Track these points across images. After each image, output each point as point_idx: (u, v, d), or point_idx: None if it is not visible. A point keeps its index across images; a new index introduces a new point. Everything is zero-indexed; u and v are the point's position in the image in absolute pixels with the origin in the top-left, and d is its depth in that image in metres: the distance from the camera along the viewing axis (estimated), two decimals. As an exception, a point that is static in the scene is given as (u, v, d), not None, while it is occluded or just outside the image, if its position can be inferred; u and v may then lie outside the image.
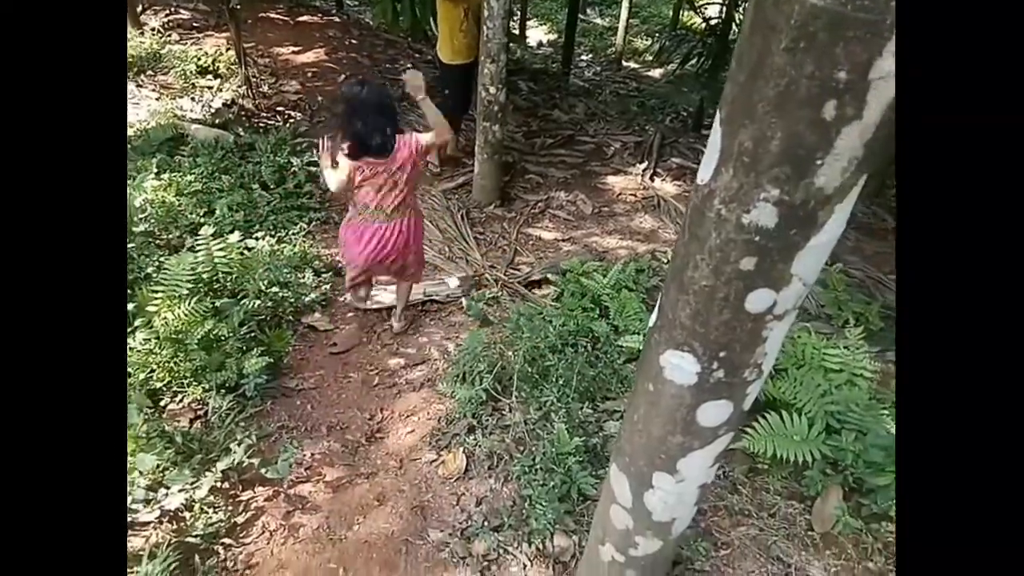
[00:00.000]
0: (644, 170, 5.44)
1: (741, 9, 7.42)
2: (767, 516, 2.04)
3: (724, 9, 7.09)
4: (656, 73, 9.05)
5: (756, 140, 0.79)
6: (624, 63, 9.47)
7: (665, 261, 4.13)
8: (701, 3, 7.97)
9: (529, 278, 3.92)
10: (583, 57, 10.00)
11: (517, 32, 9.50)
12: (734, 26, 6.89)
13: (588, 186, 5.19)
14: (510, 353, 2.85)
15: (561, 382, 2.52)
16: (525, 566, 1.87)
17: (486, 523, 2.00)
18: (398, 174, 2.62)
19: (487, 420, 2.50)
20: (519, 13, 10.16)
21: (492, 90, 4.17)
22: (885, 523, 1.96)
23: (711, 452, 1.17)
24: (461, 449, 2.33)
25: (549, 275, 3.87)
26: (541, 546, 1.91)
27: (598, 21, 12.36)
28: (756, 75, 0.76)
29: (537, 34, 11.27)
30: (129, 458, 1.90)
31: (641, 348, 2.82)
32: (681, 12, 10.15)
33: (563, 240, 4.50)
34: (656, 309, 1.11)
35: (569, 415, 2.37)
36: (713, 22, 6.97)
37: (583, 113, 6.63)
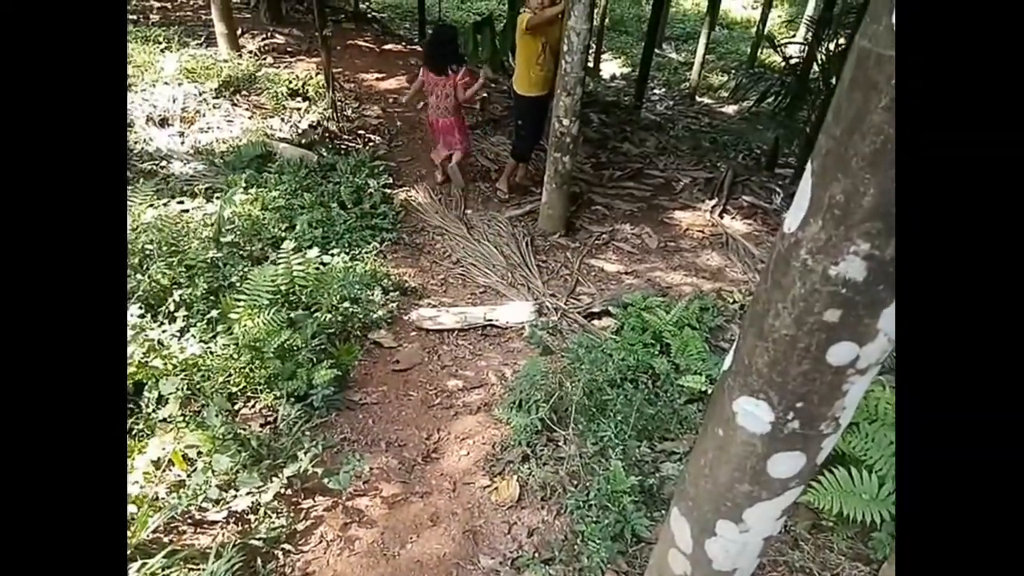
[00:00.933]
0: (714, 207, 5.37)
1: (823, 49, 7.29)
2: (831, 577, 1.95)
3: (805, 48, 6.98)
4: (730, 110, 8.96)
5: (848, 194, 0.79)
6: (698, 98, 9.42)
7: (731, 301, 4.04)
8: (781, 42, 7.88)
9: (590, 309, 3.92)
10: (656, 91, 10.01)
11: (592, 65, 9.63)
12: (815, 65, 6.77)
13: (655, 220, 5.16)
14: (568, 384, 2.85)
15: (619, 418, 2.50)
16: (575, 602, 1.85)
17: (537, 555, 1.99)
18: (447, 90, 4.48)
19: (541, 450, 2.50)
20: (594, 47, 10.31)
21: (566, 122, 4.24)
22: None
23: (779, 504, 1.14)
24: (515, 477, 2.34)
25: (610, 307, 3.85)
26: (591, 584, 1.89)
27: (673, 56, 12.37)
28: (853, 130, 0.76)
29: (611, 67, 11.38)
30: (205, 458, 2.01)
31: (703, 389, 2.79)
32: (759, 50, 10.06)
33: (626, 273, 4.47)
34: (731, 353, 1.10)
35: (626, 453, 2.34)
36: (793, 61, 6.86)
37: (654, 147, 6.62)
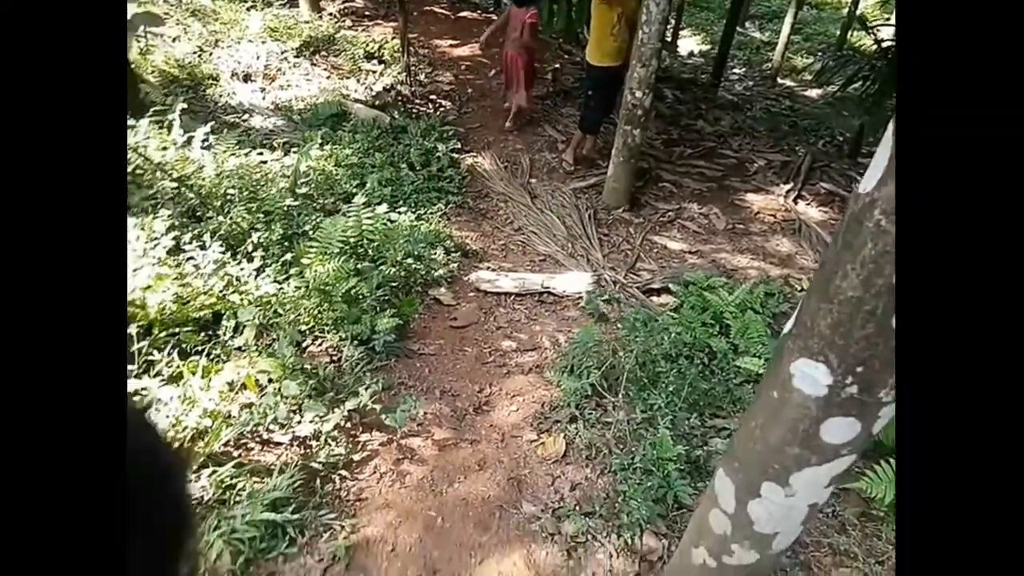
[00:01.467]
0: (788, 191, 5.19)
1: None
2: (874, 563, 1.91)
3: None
4: (814, 93, 8.54)
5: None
6: (780, 80, 9.03)
7: (799, 288, 3.92)
8: (874, 24, 7.41)
9: (649, 285, 3.89)
10: (736, 70, 9.64)
11: (669, 40, 9.35)
12: None
13: (724, 201, 5.03)
14: (621, 353, 2.86)
15: (671, 389, 2.50)
16: (611, 555, 1.90)
17: (578, 507, 2.05)
18: (521, 25, 4.93)
19: (590, 414, 2.53)
20: (673, 21, 9.99)
21: (639, 94, 4.17)
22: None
23: (829, 471, 1.14)
24: (562, 435, 2.39)
25: (671, 284, 3.82)
26: (629, 541, 1.93)
27: (756, 35, 11.85)
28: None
29: (689, 44, 11.02)
30: (274, 384, 2.15)
31: (761, 371, 2.74)
32: (850, 32, 9.50)
33: (690, 252, 4.41)
34: (793, 316, 1.10)
35: (674, 423, 2.35)
36: (885, 44, 6.46)
37: (728, 126, 6.42)
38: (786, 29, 8.65)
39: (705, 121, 6.46)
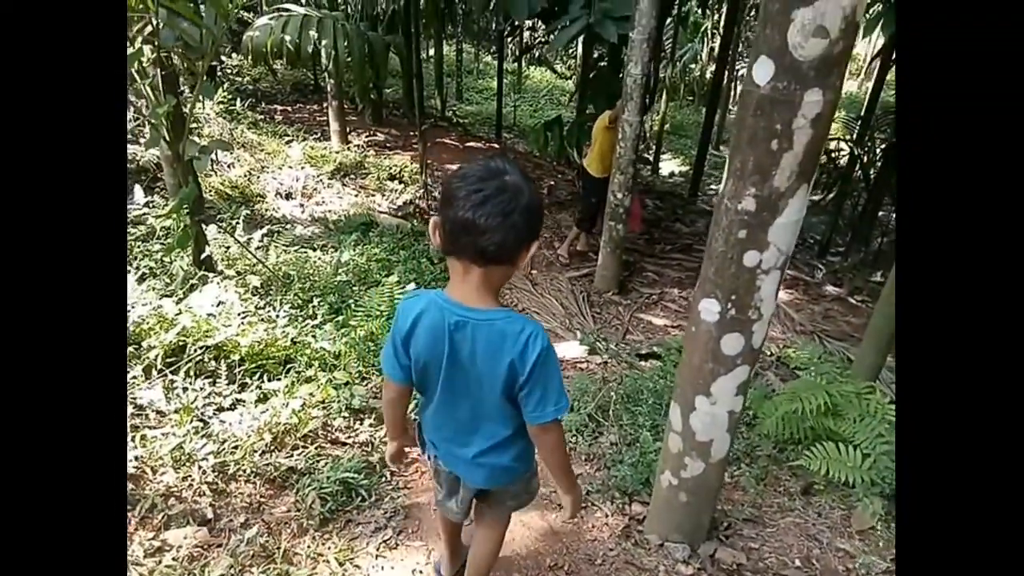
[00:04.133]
0: (755, 277, 5.95)
1: (865, 149, 8.00)
2: (814, 514, 2.42)
3: (858, 148, 7.73)
4: (780, 202, 9.59)
5: (742, 162, 1.51)
6: (749, 192, 10.14)
7: (768, 353, 4.55)
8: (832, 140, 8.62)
9: (638, 351, 4.53)
10: (712, 187, 10.86)
11: (651, 162, 10.66)
12: (870, 161, 7.47)
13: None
14: (613, 394, 3.46)
15: (652, 402, 3.09)
16: (607, 515, 2.40)
17: (580, 484, 2.57)
18: None
19: (588, 436, 3.09)
20: (655, 146, 11.39)
21: (619, 195, 5.08)
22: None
23: (734, 379, 1.76)
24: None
25: (656, 348, 4.46)
26: (621, 506, 2.44)
27: (729, 157, 13.29)
28: (741, 129, 1.50)
29: (670, 166, 12.40)
30: (344, 391, 2.77)
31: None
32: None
33: (672, 326, 5.08)
34: (698, 282, 1.78)
35: (655, 429, 2.91)
36: (842, 161, 7.61)
37: (704, 227, 7.35)
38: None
39: (683, 223, 7.42)
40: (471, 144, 9.38)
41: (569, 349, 4.38)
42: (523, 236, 1.19)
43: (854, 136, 8.21)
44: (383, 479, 2.51)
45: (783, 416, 2.85)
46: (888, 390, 3.59)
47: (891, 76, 7.99)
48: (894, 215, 9.67)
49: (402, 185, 7.30)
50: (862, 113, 8.44)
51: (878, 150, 8.08)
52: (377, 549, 2.13)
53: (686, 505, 2.09)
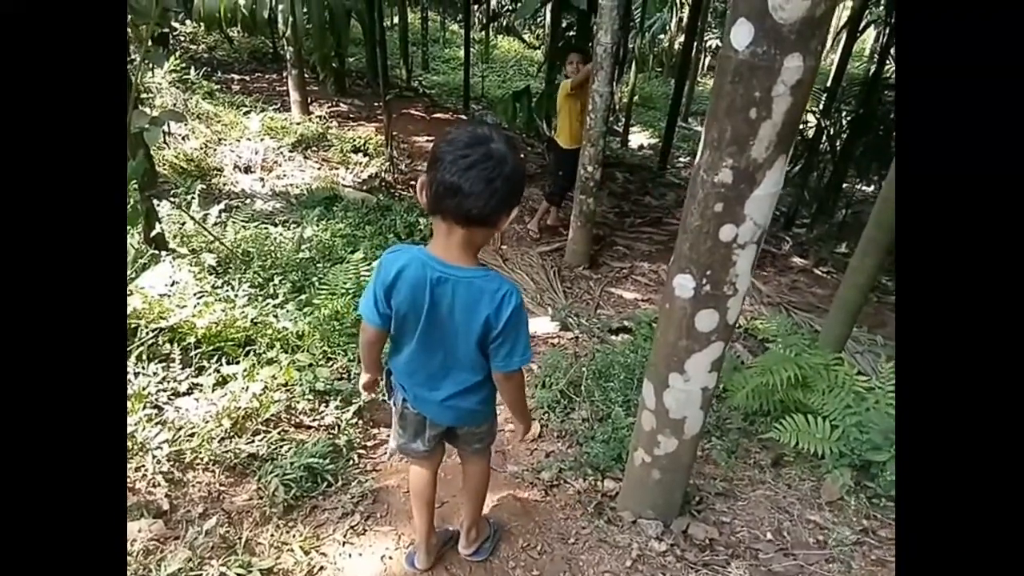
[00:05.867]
0: (724, 249, 5.98)
1: (831, 121, 8.06)
2: (784, 487, 2.44)
3: (825, 120, 7.77)
4: (748, 174, 9.66)
5: (719, 132, 1.44)
6: (718, 165, 10.17)
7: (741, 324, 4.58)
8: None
9: (610, 325, 4.51)
10: (681, 160, 10.87)
11: (620, 134, 10.58)
12: (836, 132, 7.50)
13: (670, 259, 5.77)
14: (585, 369, 3.43)
15: (623, 377, 3.07)
16: (579, 492, 2.37)
17: (552, 465, 2.54)
18: None
19: (560, 413, 3.05)
20: (623, 119, 11.31)
21: (590, 168, 5.00)
22: (884, 500, 2.31)
23: (708, 356, 1.73)
24: (536, 422, 2.89)
25: (627, 323, 4.44)
26: (593, 483, 2.42)
27: (698, 129, 13.30)
28: (719, 97, 1.43)
29: (639, 138, 12.34)
30: (307, 373, 2.66)
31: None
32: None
33: (643, 300, 5.07)
34: (672, 257, 1.73)
35: (627, 404, 2.90)
36: (809, 133, 7.63)
37: (673, 201, 7.33)
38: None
39: (652, 197, 7.39)
40: (438, 115, 9.15)
41: (541, 324, 4.33)
42: (505, 202, 1.29)
43: (820, 108, 8.27)
44: (350, 463, 2.44)
45: (753, 389, 2.85)
46: (855, 360, 3.64)
47: (857, 47, 8.04)
48: (858, 187, 9.83)
49: (367, 158, 7.08)
50: (828, 84, 8.48)
51: (844, 121, 8.15)
52: (344, 536, 2.07)
53: (659, 482, 2.07)
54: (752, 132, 1.39)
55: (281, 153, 6.72)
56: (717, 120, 1.44)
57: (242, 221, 4.63)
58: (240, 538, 1.95)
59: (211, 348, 2.74)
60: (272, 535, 2.00)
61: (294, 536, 2.01)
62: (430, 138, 8.12)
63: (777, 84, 1.33)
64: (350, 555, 2.00)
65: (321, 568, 1.93)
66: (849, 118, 8.06)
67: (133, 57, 4.28)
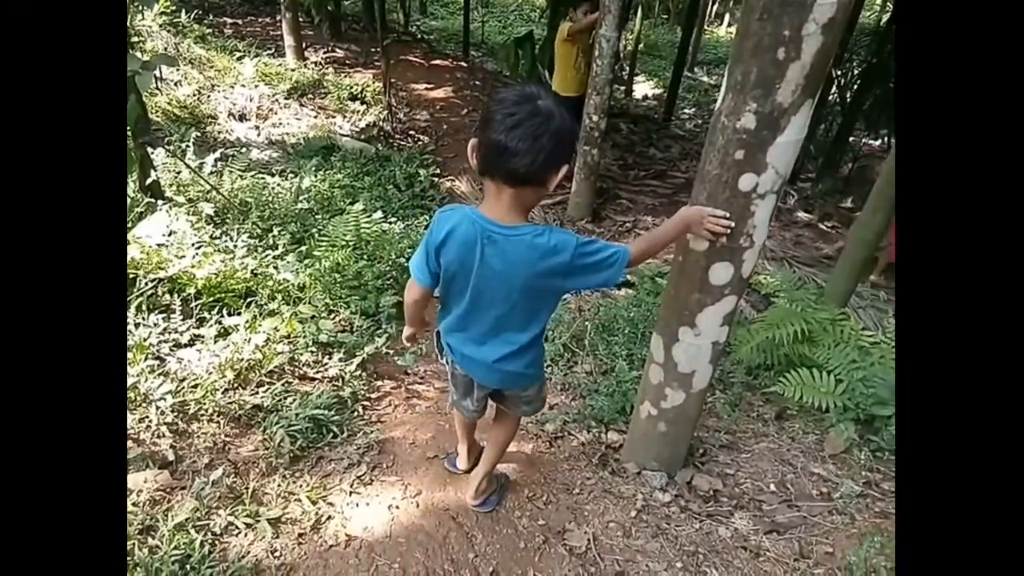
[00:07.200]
0: (728, 203, 5.89)
1: (840, 71, 7.82)
2: (788, 440, 2.45)
3: (835, 70, 7.52)
4: (753, 126, 9.44)
5: (744, 74, 1.37)
6: (723, 116, 9.94)
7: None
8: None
9: (612, 279, 4.47)
10: (686, 110, 10.60)
11: (625, 84, 10.30)
12: (847, 83, 7.26)
13: (674, 213, 5.69)
14: (588, 324, 3.40)
15: (627, 331, 3.05)
16: (583, 443, 2.39)
17: (556, 416, 2.54)
18: None
19: (563, 366, 3.05)
20: (628, 68, 10.98)
21: (595, 118, 4.86)
22: (889, 454, 2.32)
23: (720, 310, 1.69)
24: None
25: (629, 277, 4.40)
26: (597, 435, 2.42)
27: (705, 79, 12.96)
28: (744, 36, 1.35)
29: (644, 88, 12.02)
30: (310, 326, 2.63)
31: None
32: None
33: (646, 254, 5.02)
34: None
35: (631, 357, 2.88)
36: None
37: (678, 153, 7.19)
38: (726, 71, 9.62)
39: (656, 149, 7.24)
40: (437, 62, 8.87)
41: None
42: (552, 159, 1.26)
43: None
44: (355, 414, 2.43)
45: (758, 344, 2.84)
46: (859, 316, 3.62)
47: (872, -6, 7.72)
48: (864, 141, 9.63)
49: (364, 106, 6.89)
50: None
51: (854, 71, 7.90)
52: (351, 486, 2.08)
53: (664, 435, 2.07)
54: (779, 74, 1.32)
55: (276, 100, 6.52)
56: (742, 61, 1.36)
57: (239, 170, 4.52)
58: (247, 488, 1.95)
59: (211, 299, 2.70)
60: (279, 485, 2.01)
61: (301, 486, 2.02)
62: (429, 85, 7.89)
63: (808, 22, 1.25)
64: (357, 504, 2.01)
65: (329, 517, 1.94)
66: (859, 69, 7.82)
67: (120, -3, 4.10)
